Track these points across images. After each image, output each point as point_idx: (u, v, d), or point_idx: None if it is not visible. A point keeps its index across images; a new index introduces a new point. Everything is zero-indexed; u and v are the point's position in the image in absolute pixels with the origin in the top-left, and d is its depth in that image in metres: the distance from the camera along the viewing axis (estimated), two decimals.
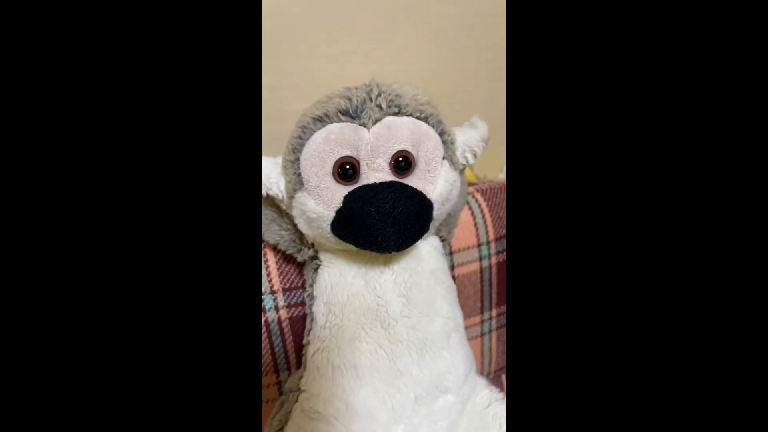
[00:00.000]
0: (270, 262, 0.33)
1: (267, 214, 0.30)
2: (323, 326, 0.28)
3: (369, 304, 0.28)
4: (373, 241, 0.25)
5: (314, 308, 0.29)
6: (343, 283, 0.29)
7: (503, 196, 0.41)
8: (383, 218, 0.25)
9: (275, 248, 0.32)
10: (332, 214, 0.26)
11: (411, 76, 0.61)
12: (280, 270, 0.33)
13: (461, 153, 0.28)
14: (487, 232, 0.39)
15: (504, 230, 0.40)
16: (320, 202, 0.26)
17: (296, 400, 0.29)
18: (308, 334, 0.30)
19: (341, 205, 0.26)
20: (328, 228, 0.27)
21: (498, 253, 0.40)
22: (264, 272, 0.33)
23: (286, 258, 0.33)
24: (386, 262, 0.29)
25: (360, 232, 0.26)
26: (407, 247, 0.26)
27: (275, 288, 0.33)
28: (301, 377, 0.30)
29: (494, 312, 0.42)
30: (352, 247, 0.28)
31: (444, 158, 0.28)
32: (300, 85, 0.52)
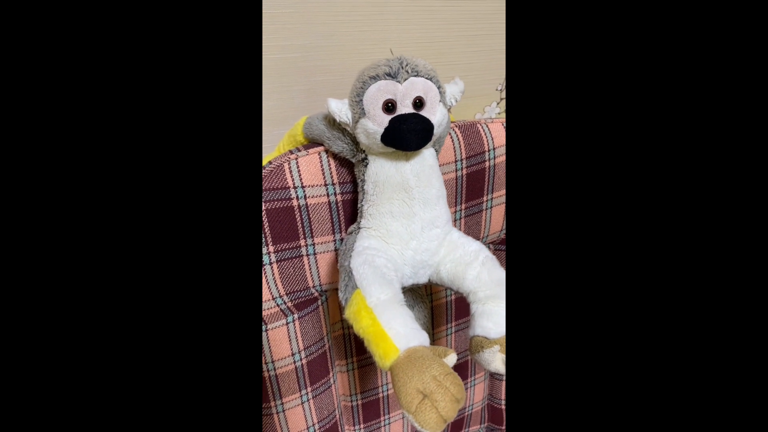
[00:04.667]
0: (332, 165, 0.51)
1: (334, 133, 0.48)
2: (372, 194, 0.48)
3: (398, 180, 0.46)
4: (403, 144, 0.42)
5: (366, 186, 0.48)
6: (383, 170, 0.46)
7: (473, 129, 0.58)
8: (409, 132, 0.42)
9: (335, 156, 0.51)
10: (381, 131, 0.43)
11: (408, 41, 0.78)
12: (338, 171, 0.51)
13: (448, 98, 0.46)
14: (461, 153, 0.57)
15: (470, 152, 0.57)
16: (375, 124, 0.43)
17: (358, 233, 0.50)
18: (362, 200, 0.49)
19: (387, 125, 0.42)
20: (379, 139, 0.43)
21: (467, 167, 0.57)
22: (328, 172, 0.53)
23: (340, 162, 0.51)
24: (407, 158, 0.46)
25: (397, 139, 0.42)
26: (420, 148, 0.45)
27: (335, 182, 0.51)
28: (359, 222, 0.50)
29: (463, 206, 0.60)
30: (389, 149, 0.44)
31: (440, 101, 0.44)
32: (326, 46, 0.67)
